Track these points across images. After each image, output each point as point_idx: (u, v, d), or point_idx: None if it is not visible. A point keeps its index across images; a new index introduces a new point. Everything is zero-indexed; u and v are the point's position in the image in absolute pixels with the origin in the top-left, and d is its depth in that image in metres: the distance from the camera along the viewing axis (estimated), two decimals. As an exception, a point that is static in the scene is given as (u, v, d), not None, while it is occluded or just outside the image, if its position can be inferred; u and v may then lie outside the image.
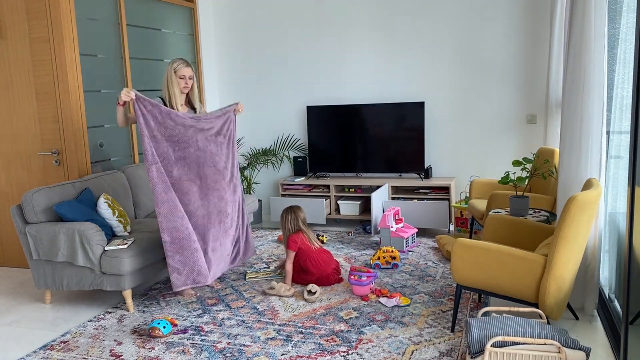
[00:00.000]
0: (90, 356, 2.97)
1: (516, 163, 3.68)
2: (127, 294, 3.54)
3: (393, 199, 5.35)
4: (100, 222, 3.65)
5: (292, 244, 3.88)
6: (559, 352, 2.24)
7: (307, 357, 2.85)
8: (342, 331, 3.14)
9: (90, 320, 3.46)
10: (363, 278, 3.65)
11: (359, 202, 5.48)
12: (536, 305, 2.76)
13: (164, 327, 3.15)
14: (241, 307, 3.55)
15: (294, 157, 5.91)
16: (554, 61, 4.63)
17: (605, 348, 2.85)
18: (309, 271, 3.85)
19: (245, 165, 6.03)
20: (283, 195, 5.76)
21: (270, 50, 5.98)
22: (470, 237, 4.73)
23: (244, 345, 3.02)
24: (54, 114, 4.23)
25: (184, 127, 3.50)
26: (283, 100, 6.04)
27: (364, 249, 4.73)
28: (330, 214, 5.59)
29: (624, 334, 2.44)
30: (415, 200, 5.07)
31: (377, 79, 5.66)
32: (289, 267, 3.87)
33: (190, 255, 3.48)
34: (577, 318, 3.19)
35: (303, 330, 3.17)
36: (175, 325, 3.27)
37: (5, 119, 4.39)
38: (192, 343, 3.07)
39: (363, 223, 5.54)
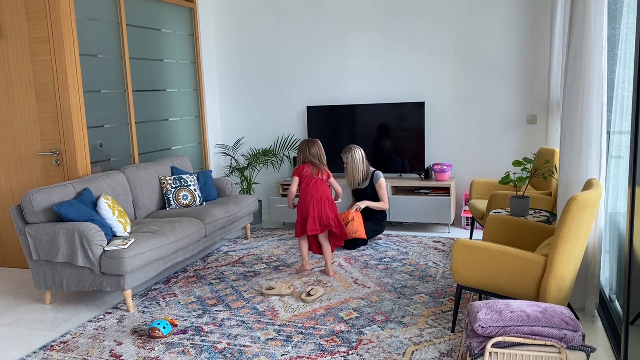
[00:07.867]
0: (90, 357, 2.97)
1: (516, 163, 3.67)
2: (127, 294, 3.54)
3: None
4: (100, 222, 3.64)
5: (295, 171, 4.17)
6: (560, 352, 2.23)
7: (307, 358, 2.85)
8: (342, 331, 3.14)
9: (90, 321, 3.46)
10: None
11: (359, 202, 5.47)
12: (536, 306, 2.76)
13: (164, 328, 3.15)
14: (241, 308, 3.55)
15: (294, 157, 5.90)
16: (554, 61, 4.63)
17: (605, 348, 2.84)
18: (306, 204, 4.04)
19: (245, 165, 6.03)
20: (283, 196, 5.76)
21: (270, 50, 5.98)
22: (471, 238, 4.73)
23: (244, 345, 3.02)
24: (53, 114, 4.23)
25: None
26: (283, 100, 6.03)
27: (364, 249, 4.72)
28: (330, 214, 5.58)
29: (625, 334, 2.44)
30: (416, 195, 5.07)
31: (377, 78, 5.66)
32: (292, 189, 4.17)
33: None
34: (577, 318, 3.18)
35: (303, 331, 3.16)
36: (175, 325, 3.27)
37: (5, 119, 4.39)
38: (192, 343, 3.07)
39: (363, 223, 5.53)
